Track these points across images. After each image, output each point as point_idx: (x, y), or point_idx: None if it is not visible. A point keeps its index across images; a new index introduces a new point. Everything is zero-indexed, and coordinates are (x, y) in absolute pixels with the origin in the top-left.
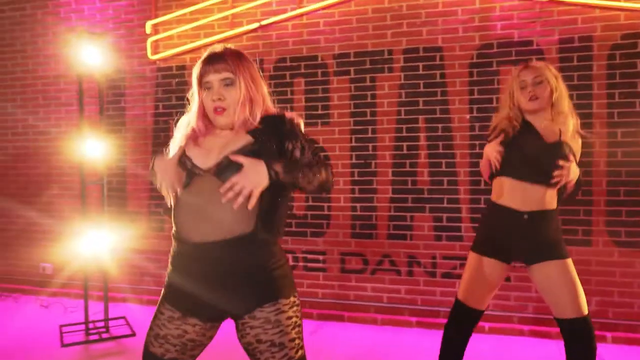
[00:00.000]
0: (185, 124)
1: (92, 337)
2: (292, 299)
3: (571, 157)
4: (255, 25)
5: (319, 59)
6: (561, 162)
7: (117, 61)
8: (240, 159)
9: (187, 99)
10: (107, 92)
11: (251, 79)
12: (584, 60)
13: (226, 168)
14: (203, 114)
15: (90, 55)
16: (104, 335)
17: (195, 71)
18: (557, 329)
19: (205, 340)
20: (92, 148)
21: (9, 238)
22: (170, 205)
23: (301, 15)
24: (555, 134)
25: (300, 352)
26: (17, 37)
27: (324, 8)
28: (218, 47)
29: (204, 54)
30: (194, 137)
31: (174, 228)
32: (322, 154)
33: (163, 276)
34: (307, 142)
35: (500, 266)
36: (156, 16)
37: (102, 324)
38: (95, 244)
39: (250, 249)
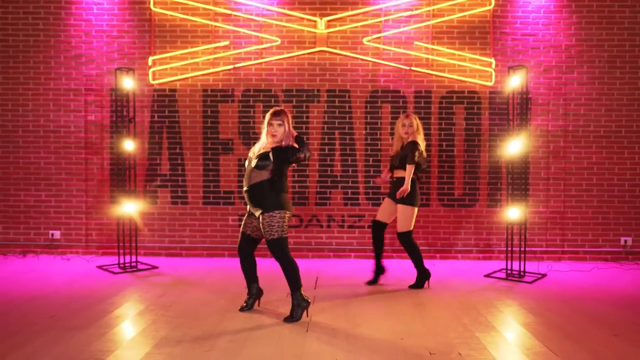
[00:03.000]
0: (260, 143)
1: (129, 270)
2: (274, 212)
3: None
4: (230, 67)
5: (272, 91)
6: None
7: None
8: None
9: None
10: (116, 104)
11: (289, 125)
12: (427, 103)
13: (258, 159)
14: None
15: (117, 80)
16: (139, 267)
17: (267, 117)
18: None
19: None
20: (126, 144)
21: (19, 212)
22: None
23: (261, 62)
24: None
25: (275, 235)
26: (30, 57)
27: (276, 59)
28: (278, 108)
29: (271, 110)
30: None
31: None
32: (298, 155)
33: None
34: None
35: (393, 203)
36: (154, 53)
37: (128, 264)
38: (125, 209)
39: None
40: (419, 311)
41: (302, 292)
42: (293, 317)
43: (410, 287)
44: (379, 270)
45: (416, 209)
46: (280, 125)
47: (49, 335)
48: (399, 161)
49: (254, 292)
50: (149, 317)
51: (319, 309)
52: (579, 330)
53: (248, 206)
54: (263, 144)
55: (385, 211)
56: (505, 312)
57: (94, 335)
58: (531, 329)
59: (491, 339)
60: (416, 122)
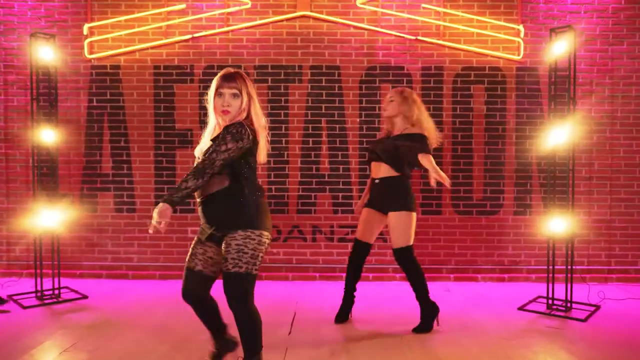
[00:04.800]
0: (208, 129)
1: (47, 301)
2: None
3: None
4: (188, 36)
5: (242, 68)
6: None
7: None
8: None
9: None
10: (38, 85)
11: (249, 97)
12: (437, 83)
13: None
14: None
15: (41, 52)
16: (63, 297)
17: (214, 83)
18: None
19: (220, 259)
20: (45, 135)
21: None
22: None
23: (227, 32)
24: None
25: (242, 267)
26: None
27: (247, 28)
28: (232, 69)
29: (221, 72)
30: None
31: None
32: (212, 157)
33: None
34: (216, 145)
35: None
36: (92, 20)
37: (49, 292)
38: (45, 220)
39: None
40: None
41: (262, 355)
42: None
43: (415, 330)
44: (350, 301)
45: (414, 215)
46: (236, 96)
47: None
48: (386, 156)
49: (222, 346)
50: None
51: None
52: None
53: (200, 228)
54: (212, 129)
55: (368, 227)
56: None
57: None
58: None
59: None
60: (404, 96)
